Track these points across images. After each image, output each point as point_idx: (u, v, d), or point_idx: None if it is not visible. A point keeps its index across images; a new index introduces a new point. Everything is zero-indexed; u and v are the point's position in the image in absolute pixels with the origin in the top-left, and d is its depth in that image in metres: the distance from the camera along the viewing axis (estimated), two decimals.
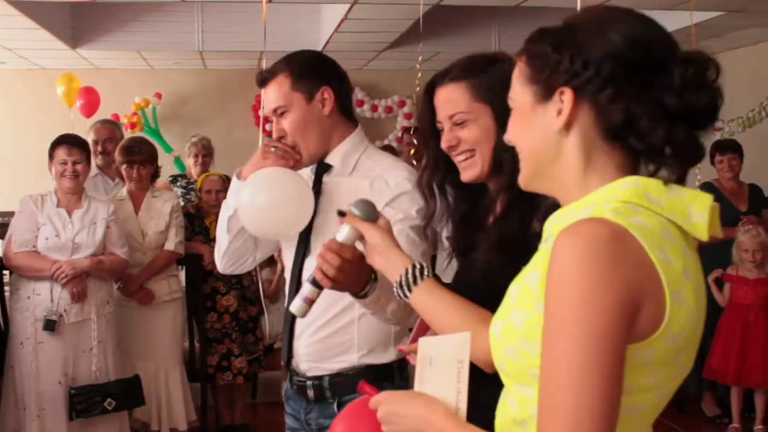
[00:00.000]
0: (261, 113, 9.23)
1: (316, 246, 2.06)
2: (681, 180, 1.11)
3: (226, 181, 4.93)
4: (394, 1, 6.06)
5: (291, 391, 2.21)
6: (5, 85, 8.56)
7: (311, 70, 2.16)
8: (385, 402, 1.25)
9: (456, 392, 1.22)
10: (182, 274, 4.83)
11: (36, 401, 3.86)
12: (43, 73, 8.78)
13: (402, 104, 9.78)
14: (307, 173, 2.21)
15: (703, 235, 1.07)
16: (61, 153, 3.97)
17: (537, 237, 1.53)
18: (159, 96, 9.06)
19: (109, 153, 4.95)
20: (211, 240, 4.79)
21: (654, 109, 1.07)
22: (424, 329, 1.64)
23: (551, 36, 1.15)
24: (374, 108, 9.76)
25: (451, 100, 1.74)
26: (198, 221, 4.88)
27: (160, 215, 4.47)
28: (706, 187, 5.07)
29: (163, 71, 9.23)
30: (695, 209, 1.08)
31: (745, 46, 8.05)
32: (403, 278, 1.51)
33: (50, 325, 3.83)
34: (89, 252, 3.95)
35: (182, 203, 5.02)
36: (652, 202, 1.07)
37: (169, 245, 4.46)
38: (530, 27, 4.69)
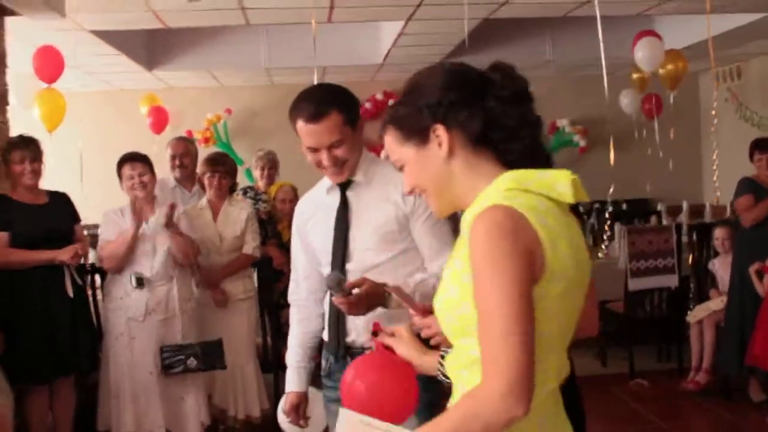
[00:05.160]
0: None
1: (354, 254, 2.51)
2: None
3: (296, 191, 5.42)
4: (446, 17, 6.41)
5: (336, 365, 2.59)
6: (92, 106, 9.16)
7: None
8: None
9: None
10: (255, 275, 5.25)
11: (130, 390, 4.34)
12: (123, 93, 9.39)
13: None
14: (323, 196, 2.60)
15: (569, 198, 1.43)
16: (127, 169, 4.45)
17: None
18: (230, 111, 9.59)
19: (186, 167, 5.43)
20: (284, 243, 5.24)
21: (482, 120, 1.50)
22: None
23: (404, 101, 1.57)
24: None
25: None
26: (270, 227, 5.33)
27: (236, 222, 4.91)
28: (746, 182, 5.29)
29: (232, 88, 9.76)
30: (559, 183, 1.44)
31: None
32: (441, 371, 1.76)
33: (141, 282, 4.34)
34: (164, 249, 4.42)
35: None
36: (525, 185, 1.44)
37: (247, 249, 4.90)
38: (582, 35, 5.10)
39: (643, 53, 6.64)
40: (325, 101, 2.45)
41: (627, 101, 8.78)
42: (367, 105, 10.14)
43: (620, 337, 6.13)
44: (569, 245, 1.43)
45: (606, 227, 6.95)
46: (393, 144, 1.60)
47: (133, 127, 8.92)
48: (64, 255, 4.29)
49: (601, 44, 5.05)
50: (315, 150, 2.46)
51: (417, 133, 1.55)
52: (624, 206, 8.91)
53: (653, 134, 8.73)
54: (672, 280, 5.86)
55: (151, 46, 8.43)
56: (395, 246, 2.50)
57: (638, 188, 9.22)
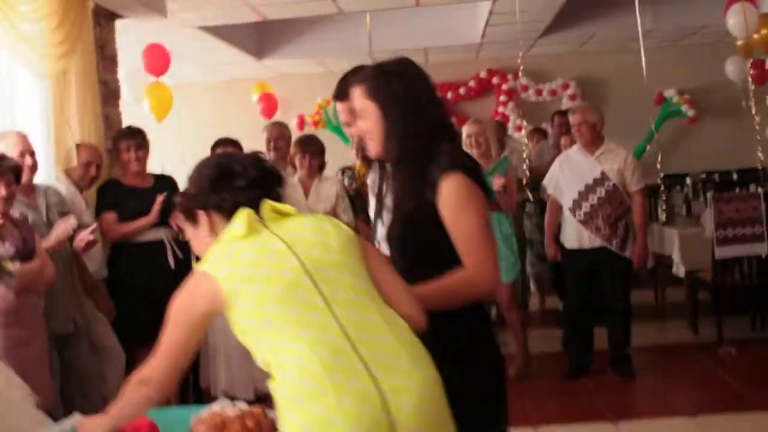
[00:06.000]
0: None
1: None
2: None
3: None
4: None
5: None
6: (204, 96, 9.78)
7: None
8: None
9: None
10: None
11: (224, 352, 4.85)
12: (235, 82, 9.96)
13: (565, 87, 10.14)
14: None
15: (242, 234, 1.87)
16: (219, 152, 4.90)
17: (428, 204, 2.15)
18: None
19: (280, 149, 5.82)
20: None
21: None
22: None
23: (183, 192, 2.07)
24: (539, 92, 10.19)
25: (354, 97, 2.28)
26: (359, 202, 5.67)
27: (327, 198, 5.28)
28: None
29: (340, 73, 10.14)
30: (238, 221, 1.90)
31: None
32: None
33: None
34: None
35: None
36: (225, 235, 1.92)
37: (345, 218, 5.26)
38: (681, 4, 5.34)
39: (734, 19, 6.54)
40: (350, 82, 2.59)
41: (732, 68, 8.59)
42: (471, 83, 10.34)
43: (711, 306, 6.14)
44: (256, 262, 1.85)
45: (662, 199, 6.95)
46: (183, 224, 2.06)
47: (244, 114, 9.47)
48: (151, 216, 4.76)
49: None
50: (348, 125, 2.64)
51: (191, 217, 2.03)
52: (734, 176, 8.77)
53: (762, 101, 8.52)
54: (761, 248, 5.81)
55: (260, 36, 8.94)
56: None
57: (749, 157, 9.01)
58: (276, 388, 1.79)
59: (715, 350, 5.81)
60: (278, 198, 2.01)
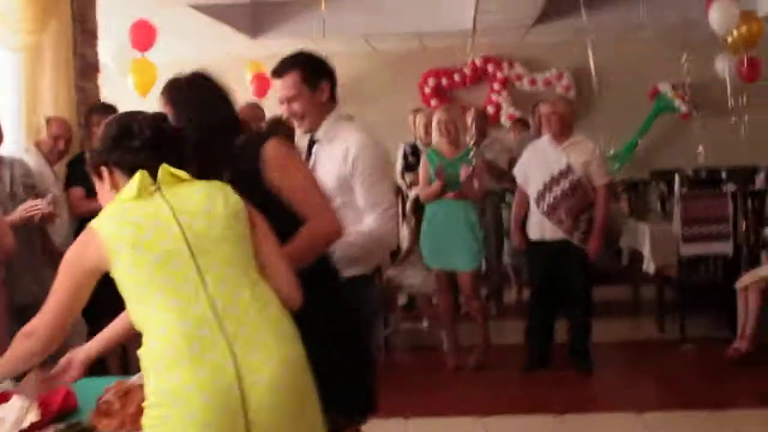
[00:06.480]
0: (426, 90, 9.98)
1: None
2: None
3: None
4: None
5: None
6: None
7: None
8: None
9: None
10: None
11: None
12: (229, 61, 10.01)
13: (560, 77, 10.13)
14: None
15: (134, 194, 1.94)
16: None
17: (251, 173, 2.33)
18: None
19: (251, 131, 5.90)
20: None
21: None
22: None
23: (92, 148, 2.15)
24: (532, 81, 10.19)
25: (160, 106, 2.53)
26: None
27: None
28: None
29: (334, 55, 10.15)
30: (132, 182, 1.95)
31: None
32: None
33: None
34: None
35: None
36: (120, 194, 1.99)
37: None
38: None
39: (716, 15, 6.55)
40: (289, 62, 2.92)
41: (721, 65, 8.58)
42: (466, 70, 10.34)
43: (677, 303, 6.18)
44: (141, 226, 1.91)
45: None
46: (93, 179, 2.12)
47: (236, 93, 9.48)
48: None
49: None
50: (281, 102, 2.95)
51: (96, 173, 2.11)
52: (723, 174, 8.75)
53: (752, 98, 8.53)
54: (726, 247, 5.83)
55: (255, 16, 8.99)
56: (334, 199, 2.83)
57: (739, 154, 9.00)
58: (142, 354, 1.86)
59: (678, 348, 5.86)
60: (176, 162, 2.06)
